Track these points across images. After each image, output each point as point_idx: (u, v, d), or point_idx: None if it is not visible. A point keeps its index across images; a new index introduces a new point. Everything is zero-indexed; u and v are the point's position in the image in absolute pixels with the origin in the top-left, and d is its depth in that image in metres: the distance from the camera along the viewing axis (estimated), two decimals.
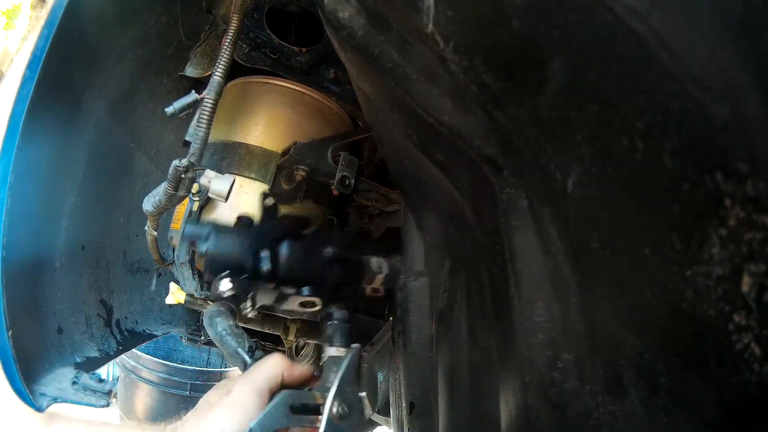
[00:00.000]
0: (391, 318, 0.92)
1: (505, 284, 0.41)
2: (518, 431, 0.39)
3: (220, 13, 0.86)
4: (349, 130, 0.89)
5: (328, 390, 0.59)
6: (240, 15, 0.70)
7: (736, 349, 0.21)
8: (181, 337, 1.11)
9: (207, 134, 0.66)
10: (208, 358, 2.62)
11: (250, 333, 0.94)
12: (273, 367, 0.62)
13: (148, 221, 0.78)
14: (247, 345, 0.67)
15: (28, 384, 0.64)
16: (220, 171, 0.72)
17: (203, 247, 0.66)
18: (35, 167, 0.67)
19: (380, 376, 1.10)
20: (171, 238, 0.83)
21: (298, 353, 1.13)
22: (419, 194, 0.69)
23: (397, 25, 0.44)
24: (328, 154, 0.80)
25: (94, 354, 0.80)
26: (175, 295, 0.79)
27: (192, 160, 0.64)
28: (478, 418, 0.50)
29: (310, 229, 0.75)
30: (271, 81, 0.84)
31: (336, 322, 0.71)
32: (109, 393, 0.69)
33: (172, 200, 0.67)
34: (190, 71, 0.87)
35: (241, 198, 0.77)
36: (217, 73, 0.67)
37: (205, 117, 0.65)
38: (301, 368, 0.65)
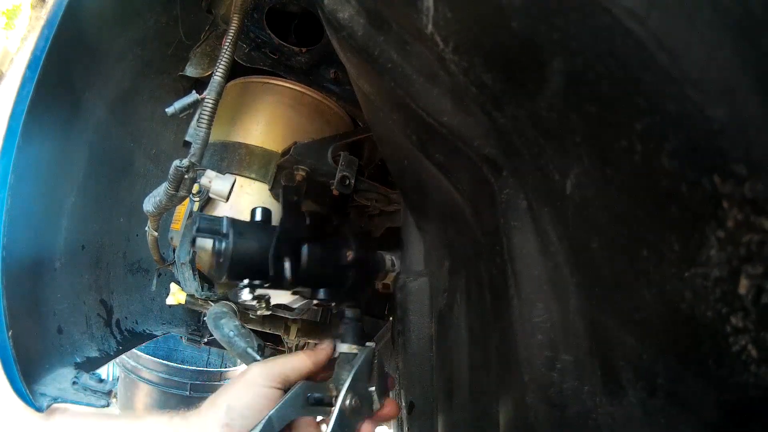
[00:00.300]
0: (390, 318, 0.92)
1: (505, 284, 0.41)
2: (517, 431, 0.39)
3: (220, 13, 0.86)
4: (349, 130, 0.89)
5: (341, 384, 0.61)
6: (240, 15, 0.70)
7: (734, 351, 0.21)
8: (181, 337, 1.11)
9: (208, 134, 0.66)
10: (208, 358, 2.62)
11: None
12: (297, 362, 0.63)
13: (149, 221, 0.78)
14: (256, 344, 0.68)
15: (28, 384, 0.64)
16: (221, 171, 0.72)
17: (220, 246, 0.60)
18: (35, 167, 0.67)
19: None
20: (171, 238, 0.83)
21: None
22: (419, 194, 0.69)
23: (397, 26, 0.44)
24: (328, 154, 0.80)
25: (94, 354, 0.80)
26: (176, 296, 0.79)
27: (193, 160, 0.65)
28: (478, 418, 0.50)
29: (331, 227, 0.71)
30: (271, 81, 0.84)
31: (348, 321, 0.71)
32: (109, 393, 0.70)
33: (173, 200, 0.67)
34: (190, 71, 0.87)
35: (241, 198, 0.77)
36: (217, 73, 0.67)
37: (206, 117, 0.65)
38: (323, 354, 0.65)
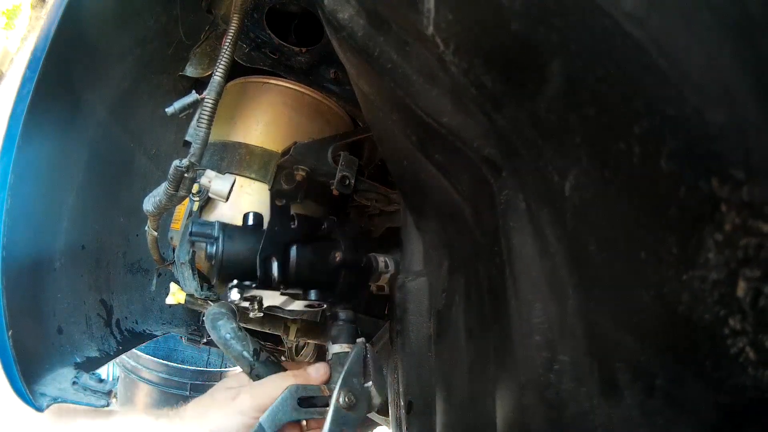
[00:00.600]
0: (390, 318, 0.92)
1: (503, 285, 0.41)
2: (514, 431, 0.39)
3: (220, 13, 0.86)
4: (349, 130, 0.89)
5: (334, 383, 0.61)
6: (240, 15, 0.70)
7: (732, 353, 0.21)
8: (181, 337, 1.11)
9: (207, 134, 0.66)
10: (208, 358, 2.62)
11: (250, 333, 0.94)
12: (283, 386, 0.64)
13: (148, 221, 0.78)
14: (252, 348, 0.68)
15: (28, 384, 0.64)
16: (221, 171, 0.72)
17: (212, 249, 0.64)
18: (35, 167, 0.68)
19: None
20: (171, 238, 0.83)
21: (298, 353, 1.14)
22: (418, 194, 0.69)
23: (397, 27, 0.44)
24: (328, 154, 0.80)
25: (94, 354, 0.80)
26: (176, 296, 0.79)
27: (192, 160, 0.65)
28: (476, 418, 0.51)
29: (322, 230, 0.73)
30: (271, 81, 0.84)
31: (342, 322, 0.71)
32: (109, 393, 0.70)
33: (173, 200, 0.67)
34: (190, 71, 0.87)
35: (241, 198, 0.77)
36: (217, 73, 0.67)
37: (206, 117, 0.65)
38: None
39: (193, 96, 0.65)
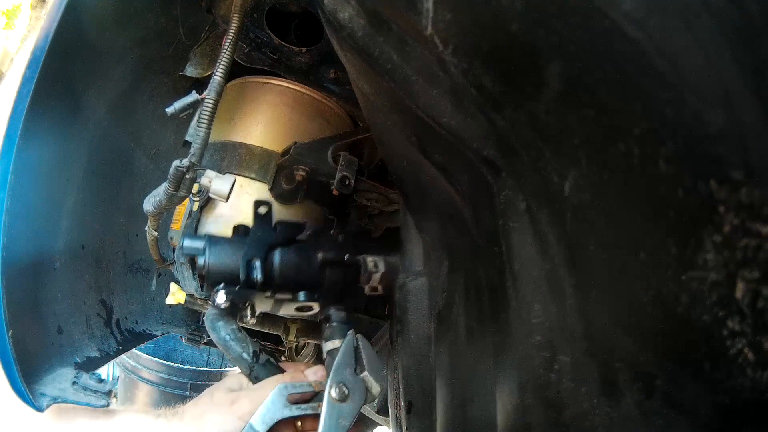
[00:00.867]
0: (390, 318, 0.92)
1: (503, 285, 0.41)
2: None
3: (220, 13, 0.86)
4: (349, 130, 0.89)
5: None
6: (240, 15, 0.70)
7: (730, 354, 0.21)
8: (181, 337, 1.11)
9: (207, 134, 0.66)
10: (208, 358, 2.62)
11: (251, 333, 0.94)
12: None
13: (149, 221, 0.78)
14: (251, 349, 0.68)
15: (28, 384, 0.64)
16: (221, 171, 0.72)
17: (201, 261, 0.67)
18: (35, 167, 0.68)
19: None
20: (171, 238, 0.83)
21: (298, 353, 1.14)
22: (418, 195, 0.69)
23: (397, 27, 0.44)
24: (328, 154, 0.81)
25: (94, 354, 0.80)
26: (176, 295, 0.79)
27: (193, 160, 0.65)
28: (475, 418, 0.51)
29: (304, 233, 0.75)
30: (271, 81, 0.84)
31: (335, 324, 0.72)
32: (109, 393, 0.70)
33: (173, 200, 0.67)
34: (190, 71, 0.87)
35: (241, 198, 0.77)
36: (217, 73, 0.67)
37: (206, 117, 0.65)
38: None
39: (193, 96, 0.65)
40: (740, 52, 0.20)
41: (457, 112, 0.43)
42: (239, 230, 0.73)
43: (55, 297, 0.74)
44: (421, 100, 0.45)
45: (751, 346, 0.20)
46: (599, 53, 0.25)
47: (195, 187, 0.69)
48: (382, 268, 0.77)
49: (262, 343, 1.17)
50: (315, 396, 0.65)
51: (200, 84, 0.87)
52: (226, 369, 2.39)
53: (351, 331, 0.68)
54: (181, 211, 0.81)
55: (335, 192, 0.81)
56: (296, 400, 0.63)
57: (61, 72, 0.67)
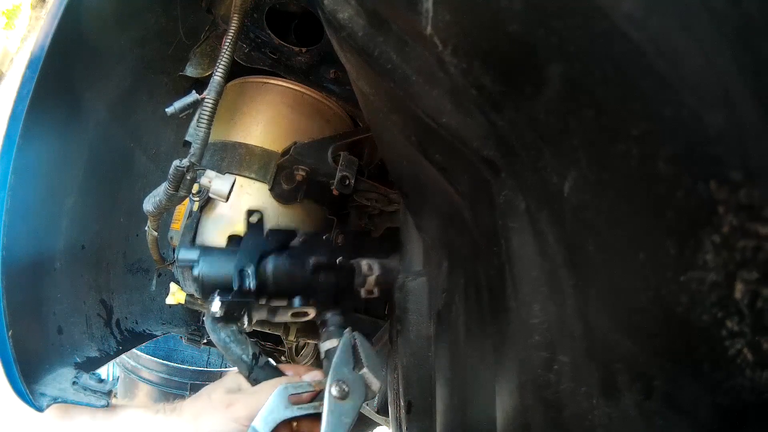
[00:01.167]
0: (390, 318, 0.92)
1: (502, 285, 0.41)
2: None
3: (220, 13, 0.86)
4: (349, 130, 0.89)
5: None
6: (240, 15, 0.70)
7: (729, 355, 0.21)
8: (181, 337, 1.11)
9: (207, 134, 0.66)
10: (208, 358, 2.62)
11: (250, 333, 0.94)
12: None
13: (149, 221, 0.78)
14: (251, 351, 0.68)
15: (28, 384, 0.64)
16: (221, 171, 0.72)
17: (195, 272, 0.68)
18: (35, 167, 0.68)
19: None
20: (171, 238, 0.83)
21: (298, 353, 1.14)
22: (418, 195, 0.69)
23: (397, 27, 0.44)
24: (328, 154, 0.81)
25: (94, 354, 0.80)
26: (176, 295, 0.79)
27: (193, 160, 0.65)
28: (475, 419, 0.51)
29: (296, 239, 0.75)
30: (271, 81, 0.84)
31: (331, 328, 0.72)
32: (109, 393, 0.70)
33: (173, 200, 0.67)
34: (190, 71, 0.87)
35: (241, 198, 0.77)
36: (217, 73, 0.67)
37: (206, 117, 0.65)
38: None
39: (193, 96, 0.65)
40: (740, 53, 0.20)
41: (457, 112, 0.43)
42: (233, 240, 0.74)
43: (55, 297, 0.74)
44: (421, 100, 0.45)
45: (750, 346, 0.20)
46: (599, 54, 0.25)
47: (195, 187, 0.69)
48: (377, 270, 0.77)
49: (262, 343, 1.17)
50: (316, 396, 0.65)
51: (200, 84, 0.87)
52: (226, 369, 2.39)
53: (348, 330, 0.69)
54: (181, 211, 0.81)
55: (335, 192, 0.81)
56: (297, 401, 0.63)
57: (61, 72, 0.67)
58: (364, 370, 0.63)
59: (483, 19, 0.33)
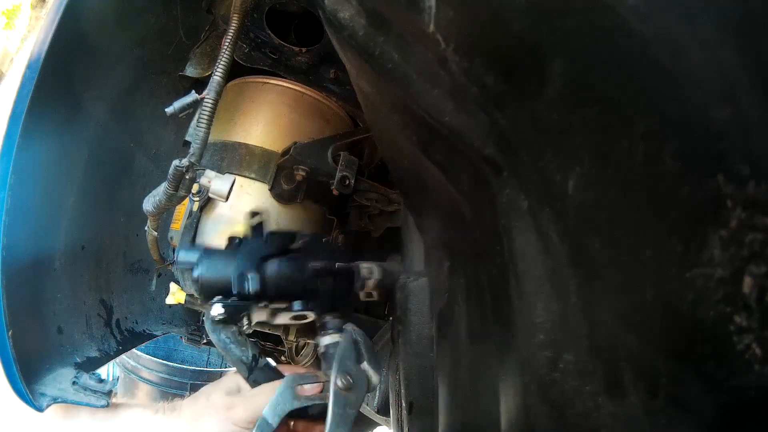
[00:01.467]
0: (390, 318, 0.92)
1: (505, 285, 0.41)
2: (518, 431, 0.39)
3: (220, 13, 0.86)
4: (349, 130, 0.89)
5: (330, 369, 0.63)
6: (240, 15, 0.70)
7: (737, 351, 0.21)
8: (181, 337, 1.11)
9: (207, 134, 0.66)
10: (208, 358, 2.62)
11: (250, 334, 0.94)
12: None
13: (148, 221, 0.78)
14: (250, 353, 0.68)
15: (28, 384, 0.64)
16: (221, 171, 0.72)
17: (195, 274, 0.68)
18: (35, 167, 0.67)
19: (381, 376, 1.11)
20: (171, 238, 0.83)
21: (298, 353, 1.14)
22: (419, 195, 0.69)
23: (398, 26, 0.44)
24: (328, 154, 0.80)
25: (94, 354, 0.80)
26: (175, 295, 0.79)
27: (192, 160, 0.65)
28: (478, 419, 0.50)
29: (297, 243, 0.75)
30: (271, 81, 0.84)
31: (330, 331, 0.72)
32: (109, 393, 0.69)
33: (173, 200, 0.67)
34: (190, 71, 0.87)
35: (241, 198, 0.77)
36: (217, 73, 0.67)
37: (205, 117, 0.65)
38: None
39: (193, 96, 0.65)
40: (745, 47, 0.20)
41: (459, 111, 0.43)
42: (233, 242, 0.73)
43: (55, 297, 0.74)
44: (422, 99, 0.45)
45: (758, 341, 0.20)
46: (603, 50, 0.25)
47: (195, 187, 0.69)
48: (376, 274, 0.77)
49: (262, 343, 1.17)
50: (321, 389, 0.66)
51: (200, 84, 0.87)
52: (225, 369, 2.39)
53: (350, 325, 0.69)
54: (181, 211, 0.81)
55: (335, 192, 0.81)
56: (303, 393, 0.64)
57: (61, 72, 0.67)
58: (365, 363, 0.64)
59: (486, 16, 0.33)
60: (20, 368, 0.63)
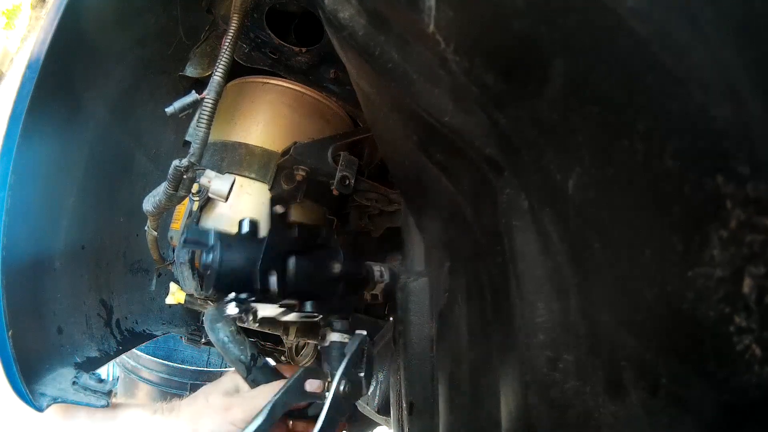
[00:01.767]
0: (391, 318, 0.92)
1: (506, 285, 0.41)
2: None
3: (220, 13, 0.86)
4: (349, 130, 0.89)
5: (335, 371, 0.64)
6: (240, 15, 0.70)
7: (737, 351, 0.21)
8: (181, 337, 1.11)
9: (207, 134, 0.66)
10: (208, 358, 2.61)
11: (250, 333, 0.93)
12: None
13: (148, 221, 0.78)
14: (249, 352, 0.68)
15: (28, 384, 0.64)
16: (220, 171, 0.72)
17: (208, 259, 0.62)
18: (35, 167, 0.67)
19: (380, 376, 1.11)
20: (171, 238, 0.83)
21: (298, 353, 1.13)
22: (419, 194, 0.69)
23: (398, 26, 0.44)
24: (328, 154, 0.80)
25: (94, 354, 0.80)
26: (175, 295, 0.79)
27: (192, 160, 0.64)
28: (479, 419, 0.50)
29: (320, 238, 0.72)
30: (271, 81, 0.84)
31: (338, 329, 0.72)
32: (109, 393, 0.69)
33: (172, 200, 0.67)
34: (190, 71, 0.87)
35: (241, 198, 0.77)
36: (217, 73, 0.67)
37: (205, 117, 0.65)
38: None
39: (193, 96, 0.65)
40: (745, 46, 0.20)
41: (459, 110, 0.43)
42: (249, 228, 0.67)
43: (55, 297, 0.74)
44: (422, 99, 0.45)
45: (758, 342, 0.20)
46: (603, 49, 0.25)
47: (195, 187, 0.69)
48: (387, 277, 0.77)
49: (262, 343, 1.16)
50: (324, 389, 0.66)
51: (200, 84, 0.87)
52: (225, 369, 2.39)
53: (363, 332, 0.69)
54: (181, 211, 0.80)
55: (335, 192, 0.80)
56: (312, 387, 0.64)
57: (61, 72, 0.67)
58: (362, 374, 0.65)
59: (486, 15, 0.33)
60: (20, 368, 0.63)
